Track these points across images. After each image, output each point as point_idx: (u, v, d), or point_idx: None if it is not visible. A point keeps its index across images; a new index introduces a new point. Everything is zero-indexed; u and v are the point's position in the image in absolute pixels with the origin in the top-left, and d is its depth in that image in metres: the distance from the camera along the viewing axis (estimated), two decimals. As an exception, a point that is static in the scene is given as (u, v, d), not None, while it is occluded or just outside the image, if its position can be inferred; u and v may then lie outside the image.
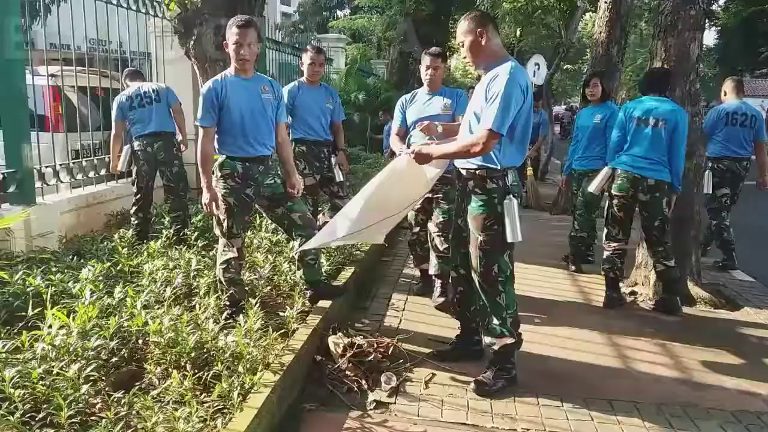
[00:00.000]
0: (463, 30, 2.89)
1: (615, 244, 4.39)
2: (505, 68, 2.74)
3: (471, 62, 2.97)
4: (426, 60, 3.94)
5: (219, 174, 3.36)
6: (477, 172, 2.87)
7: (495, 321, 2.97)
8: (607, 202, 4.43)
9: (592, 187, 4.54)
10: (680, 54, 4.49)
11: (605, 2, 7.71)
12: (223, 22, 4.85)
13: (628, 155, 4.22)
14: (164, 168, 4.87)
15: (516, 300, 3.04)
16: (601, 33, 7.73)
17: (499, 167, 2.83)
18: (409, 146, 3.51)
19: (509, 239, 2.83)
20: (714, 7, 19.37)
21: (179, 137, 5.00)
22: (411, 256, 4.53)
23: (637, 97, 4.50)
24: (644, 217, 4.26)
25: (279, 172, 3.58)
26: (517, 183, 2.92)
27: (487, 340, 3.06)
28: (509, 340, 2.99)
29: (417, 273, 4.56)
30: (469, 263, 3.02)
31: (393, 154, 3.72)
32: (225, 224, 3.39)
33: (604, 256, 4.45)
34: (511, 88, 2.68)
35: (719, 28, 23.38)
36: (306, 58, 4.61)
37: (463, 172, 2.95)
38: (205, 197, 3.30)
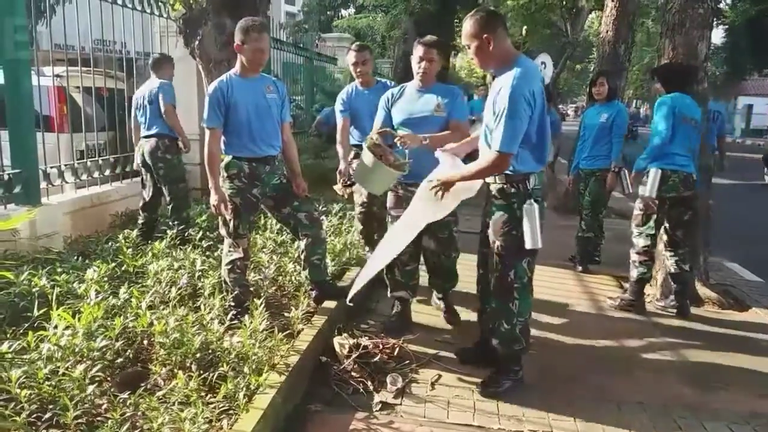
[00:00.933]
0: (467, 33, 2.73)
1: (652, 251, 4.33)
2: (508, 79, 2.62)
3: (479, 66, 2.91)
4: (419, 50, 3.37)
5: (225, 174, 3.36)
6: (496, 177, 2.81)
7: (504, 326, 2.94)
8: (644, 206, 4.20)
9: (648, 191, 4.11)
10: (688, 52, 4.46)
11: (612, 0, 7.67)
12: (227, 22, 4.88)
13: (674, 154, 4.09)
14: (152, 170, 4.85)
15: (531, 309, 2.99)
16: (608, 31, 7.69)
17: (517, 173, 2.76)
18: (392, 146, 3.32)
19: (528, 245, 2.74)
20: (721, 5, 19.26)
21: (181, 139, 4.93)
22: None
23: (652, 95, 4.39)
24: (678, 213, 4.20)
25: (285, 172, 3.58)
26: (540, 187, 2.82)
27: (494, 342, 3.02)
28: (517, 346, 2.97)
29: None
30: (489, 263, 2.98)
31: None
32: (231, 224, 3.38)
33: (645, 267, 4.30)
34: (514, 103, 2.59)
35: (726, 26, 23.22)
36: (350, 59, 4.24)
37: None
38: (213, 198, 3.29)
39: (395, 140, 3.25)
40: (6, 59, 3.91)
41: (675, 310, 4.30)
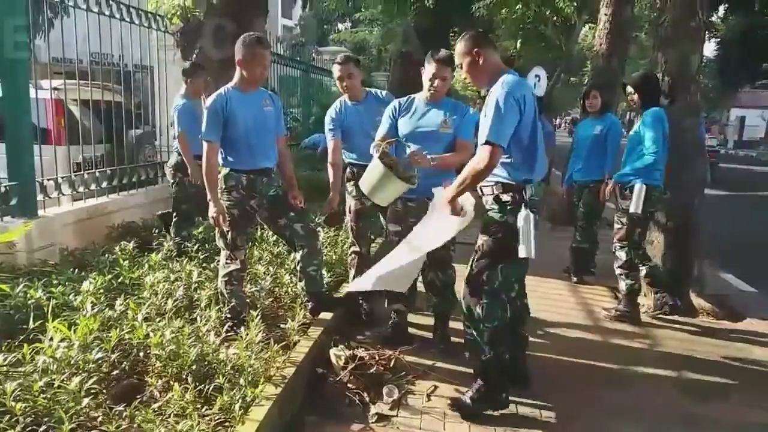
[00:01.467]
0: (459, 52, 2.87)
1: (635, 261, 4.39)
2: (497, 84, 2.72)
3: (472, 82, 2.97)
4: (433, 67, 3.28)
5: (223, 186, 3.38)
6: (493, 187, 2.81)
7: (471, 331, 2.88)
8: (629, 222, 4.27)
9: (635, 208, 4.14)
10: (680, 65, 4.51)
11: (605, 14, 7.75)
12: (226, 36, 4.92)
13: (656, 170, 4.17)
14: None
15: (499, 317, 2.84)
16: (601, 45, 7.76)
17: (513, 182, 2.77)
18: (397, 154, 3.31)
19: (522, 254, 2.70)
20: (713, 18, 19.49)
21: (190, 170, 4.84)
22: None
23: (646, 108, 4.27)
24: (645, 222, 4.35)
25: (281, 184, 3.60)
26: (537, 198, 2.81)
27: (466, 353, 2.98)
28: (483, 356, 2.86)
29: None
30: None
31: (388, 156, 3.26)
32: (229, 236, 3.39)
33: (632, 279, 4.35)
34: (503, 100, 2.64)
35: (719, 39, 23.48)
36: (334, 73, 3.92)
37: (481, 188, 2.88)
38: (212, 211, 3.30)
39: (407, 156, 3.22)
40: (4, 71, 3.92)
41: (669, 308, 4.38)
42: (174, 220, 4.87)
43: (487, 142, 2.64)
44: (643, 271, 4.42)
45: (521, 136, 2.73)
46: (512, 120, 2.66)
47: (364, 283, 3.18)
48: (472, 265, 2.89)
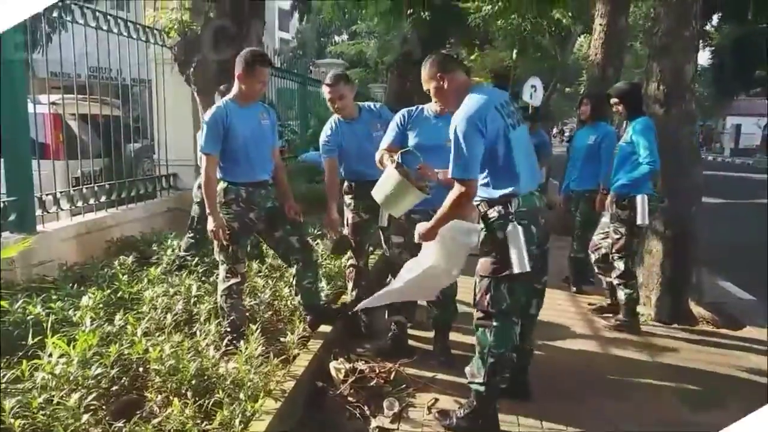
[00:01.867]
0: (424, 78, 2.83)
1: (633, 269, 4.40)
2: (457, 111, 2.69)
3: (442, 106, 2.94)
4: None
5: (222, 200, 3.38)
6: (480, 205, 2.79)
7: (475, 353, 2.83)
8: (628, 233, 4.28)
9: (641, 219, 4.16)
10: (675, 74, 4.54)
11: (600, 24, 7.80)
12: (223, 49, 4.95)
13: (649, 180, 4.21)
14: None
15: (509, 341, 2.78)
16: (596, 54, 7.79)
17: (495, 198, 2.73)
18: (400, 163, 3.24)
19: (515, 269, 2.65)
20: (707, 27, 19.62)
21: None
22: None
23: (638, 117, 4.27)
24: None
25: (277, 196, 3.60)
26: (525, 209, 2.73)
27: (466, 368, 2.89)
28: (477, 386, 2.78)
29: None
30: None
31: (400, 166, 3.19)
32: (229, 250, 3.39)
33: (630, 288, 4.35)
34: (460, 131, 2.61)
35: (713, 48, 23.62)
36: (324, 95, 3.80)
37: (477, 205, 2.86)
38: (211, 224, 3.30)
39: (417, 167, 3.18)
40: (2, 87, 3.93)
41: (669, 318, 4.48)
42: (186, 236, 4.79)
43: (453, 178, 2.63)
44: (620, 269, 4.38)
45: (493, 155, 2.69)
46: (477, 148, 2.63)
47: (376, 301, 3.16)
48: (475, 289, 2.85)
